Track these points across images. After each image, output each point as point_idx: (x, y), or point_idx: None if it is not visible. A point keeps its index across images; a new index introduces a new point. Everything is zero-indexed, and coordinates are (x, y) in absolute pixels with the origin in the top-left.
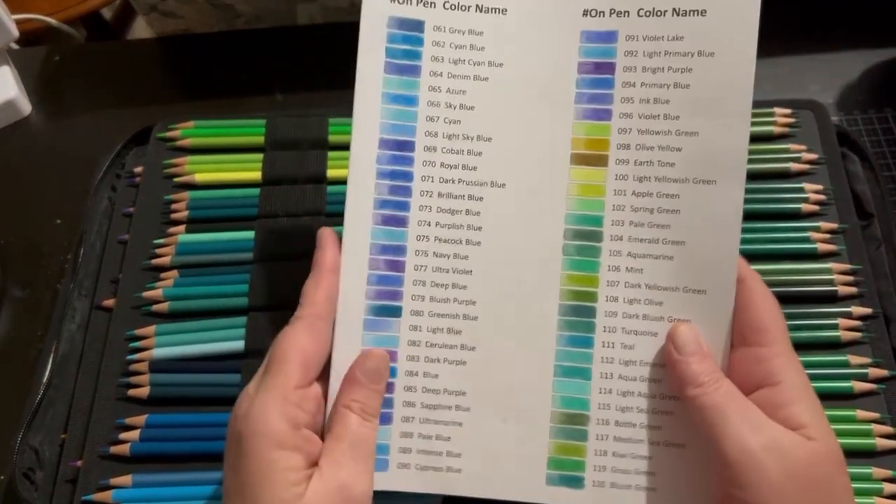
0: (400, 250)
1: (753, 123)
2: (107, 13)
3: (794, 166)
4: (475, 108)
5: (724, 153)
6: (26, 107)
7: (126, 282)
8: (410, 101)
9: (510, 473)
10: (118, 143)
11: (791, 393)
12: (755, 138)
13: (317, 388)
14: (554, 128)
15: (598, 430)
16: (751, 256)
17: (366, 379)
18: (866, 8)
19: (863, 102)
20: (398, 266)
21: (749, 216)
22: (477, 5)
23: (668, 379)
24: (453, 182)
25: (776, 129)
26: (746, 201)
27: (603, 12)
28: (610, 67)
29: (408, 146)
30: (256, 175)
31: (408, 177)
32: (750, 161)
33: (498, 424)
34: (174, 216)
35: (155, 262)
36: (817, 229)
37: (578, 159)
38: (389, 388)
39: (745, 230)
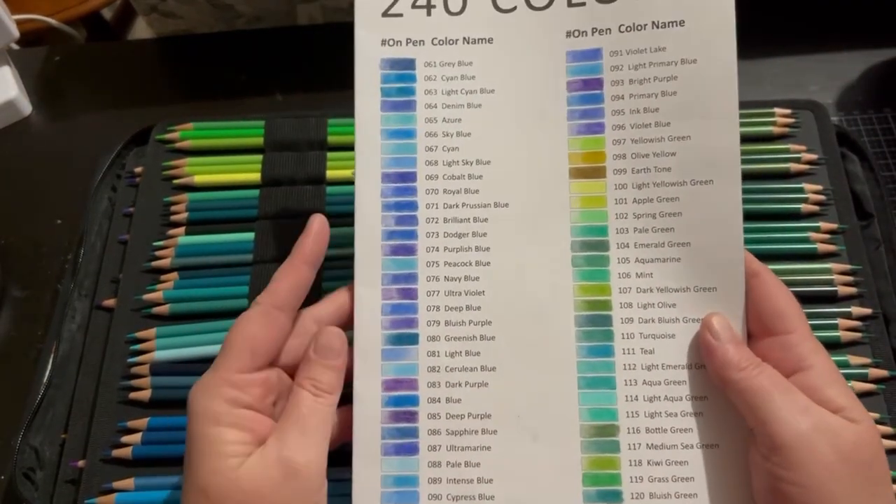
0: (411, 278)
1: (754, 124)
2: (107, 13)
3: (793, 166)
4: (472, 133)
5: (718, 153)
6: (26, 107)
7: (126, 283)
8: (408, 134)
9: (546, 495)
10: (118, 143)
11: (823, 377)
12: (755, 138)
13: (268, 374)
14: (550, 145)
15: (630, 439)
16: None
17: (316, 355)
18: (865, 8)
19: (862, 102)
20: (411, 294)
21: (749, 216)
22: (464, 38)
23: (706, 369)
24: (457, 206)
25: (776, 130)
26: (746, 202)
27: (585, 32)
28: (598, 83)
29: (410, 177)
30: (256, 176)
31: (412, 206)
32: (750, 161)
33: (528, 444)
34: (174, 218)
35: (155, 264)
36: (817, 230)
37: (577, 173)
38: (412, 417)
39: (744, 230)
